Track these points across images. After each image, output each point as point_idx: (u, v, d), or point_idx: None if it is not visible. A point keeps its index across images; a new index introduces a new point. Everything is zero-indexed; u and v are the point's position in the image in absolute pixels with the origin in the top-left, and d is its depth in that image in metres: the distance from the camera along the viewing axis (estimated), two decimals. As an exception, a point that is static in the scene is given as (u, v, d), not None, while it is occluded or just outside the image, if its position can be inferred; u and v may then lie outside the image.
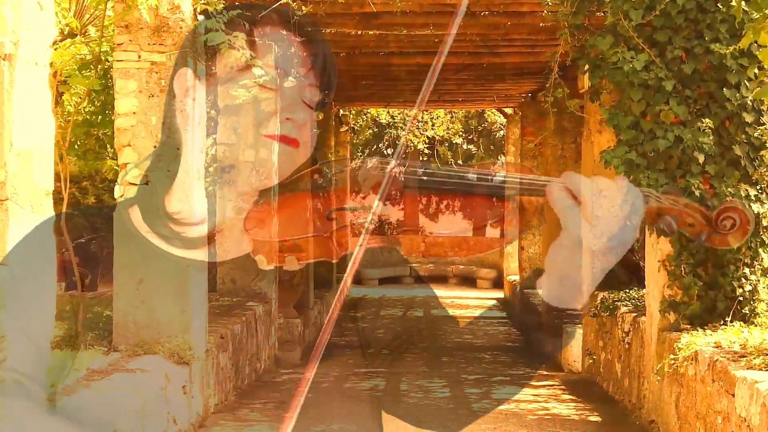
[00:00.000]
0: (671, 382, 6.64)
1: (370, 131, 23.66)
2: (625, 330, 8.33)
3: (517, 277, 17.23)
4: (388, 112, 22.15)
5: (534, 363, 11.54)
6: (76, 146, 7.40)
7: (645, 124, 7.04)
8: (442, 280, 22.70)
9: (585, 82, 9.99)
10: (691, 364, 6.17)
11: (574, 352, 10.92)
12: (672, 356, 6.37)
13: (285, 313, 12.13)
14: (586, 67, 7.59)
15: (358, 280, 22.17)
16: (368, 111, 21.95)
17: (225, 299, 10.08)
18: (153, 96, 6.96)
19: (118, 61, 6.99)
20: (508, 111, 19.55)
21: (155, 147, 6.95)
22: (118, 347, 6.97)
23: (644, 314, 7.86)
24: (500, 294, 19.79)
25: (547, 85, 7.82)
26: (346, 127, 19.25)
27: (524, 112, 16.97)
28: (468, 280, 22.42)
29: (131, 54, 6.98)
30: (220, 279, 10.44)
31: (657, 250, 7.17)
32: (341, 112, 19.16)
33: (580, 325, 11.04)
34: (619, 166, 7.09)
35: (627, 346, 8.29)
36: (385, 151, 27.77)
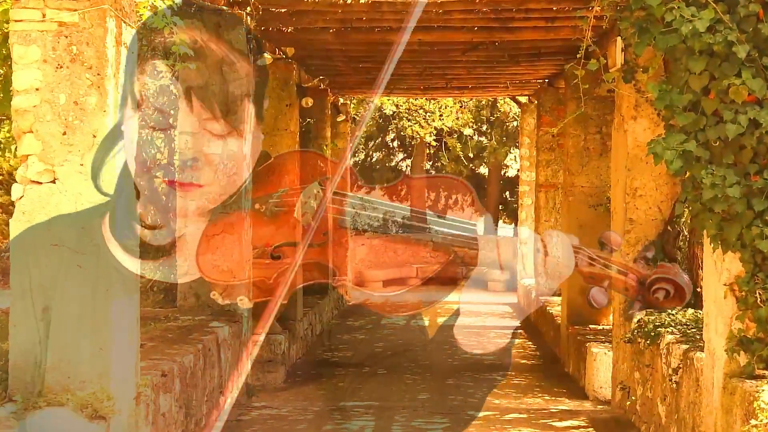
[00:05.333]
0: (747, 451, 4.95)
1: (373, 122, 22.04)
2: (673, 366, 6.63)
3: (532, 281, 15.65)
4: (393, 102, 20.49)
5: (553, 388, 9.92)
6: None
7: (708, 104, 5.37)
8: (450, 281, 21.21)
9: (617, 58, 8.34)
10: (780, 432, 4.49)
11: (600, 377, 9.34)
12: (754, 421, 4.68)
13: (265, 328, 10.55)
14: (626, 33, 5.90)
15: (360, 282, 20.64)
16: (371, 100, 20.30)
17: (186, 318, 8.44)
18: (62, 67, 5.44)
19: (16, 21, 5.44)
20: (523, 100, 18.00)
21: (65, 134, 5.39)
22: (14, 396, 5.34)
23: (699, 348, 6.18)
24: (513, 299, 18.36)
25: (578, 56, 6.11)
26: (344, 117, 17.59)
27: (540, 99, 15.46)
28: (479, 283, 21.01)
29: (33, 12, 5.44)
30: (181, 294, 8.79)
31: (722, 269, 5.47)
32: (341, 100, 17.50)
33: (605, 344, 9.47)
34: (672, 161, 5.42)
35: (675, 386, 6.59)
36: (390, 144, 26.14)
